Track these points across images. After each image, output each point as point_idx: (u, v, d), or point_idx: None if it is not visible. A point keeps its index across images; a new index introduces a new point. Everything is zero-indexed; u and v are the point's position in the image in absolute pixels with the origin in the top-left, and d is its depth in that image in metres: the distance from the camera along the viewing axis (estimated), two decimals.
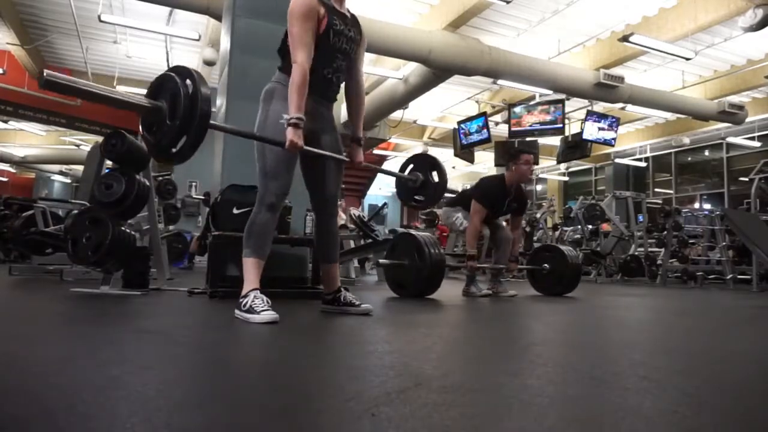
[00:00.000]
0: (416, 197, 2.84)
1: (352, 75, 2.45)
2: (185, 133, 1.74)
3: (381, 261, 3.88)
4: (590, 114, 10.35)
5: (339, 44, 2.27)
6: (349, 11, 2.37)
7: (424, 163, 2.86)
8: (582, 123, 10.41)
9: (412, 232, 3.70)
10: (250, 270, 2.18)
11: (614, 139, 10.75)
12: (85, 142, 13.75)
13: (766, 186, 6.55)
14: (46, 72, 1.60)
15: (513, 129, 10.44)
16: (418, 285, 3.53)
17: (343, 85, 2.44)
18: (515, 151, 4.22)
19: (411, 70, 8.82)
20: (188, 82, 1.77)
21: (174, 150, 1.76)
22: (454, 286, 4.67)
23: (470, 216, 4.00)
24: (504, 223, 4.34)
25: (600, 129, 10.43)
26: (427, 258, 3.47)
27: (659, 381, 1.22)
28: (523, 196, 4.22)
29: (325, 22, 2.20)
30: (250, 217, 2.25)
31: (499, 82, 8.80)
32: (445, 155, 15.10)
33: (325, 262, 2.47)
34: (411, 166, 2.88)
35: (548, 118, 10.13)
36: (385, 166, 15.58)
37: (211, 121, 1.82)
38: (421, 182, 2.79)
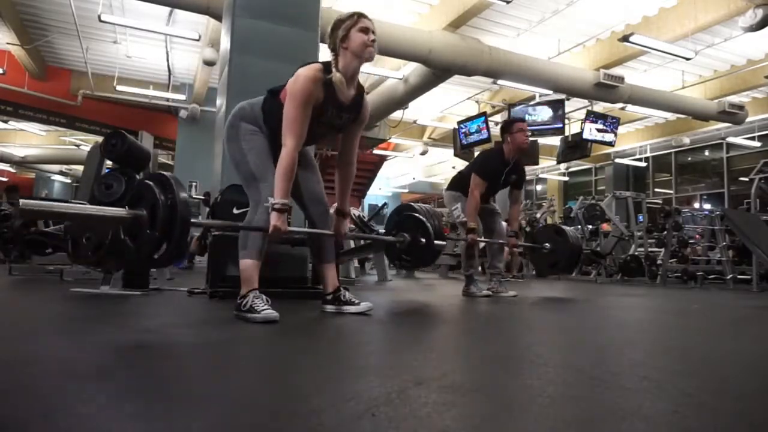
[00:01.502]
0: (404, 257, 2.93)
1: (345, 148, 2.45)
2: (166, 241, 1.76)
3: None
4: (590, 114, 10.36)
5: (323, 130, 2.32)
6: (358, 85, 2.32)
7: (411, 222, 2.91)
8: (582, 123, 10.41)
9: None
10: (249, 271, 2.18)
11: (614, 139, 10.75)
12: (85, 142, 13.76)
13: (766, 186, 6.54)
14: (22, 201, 1.61)
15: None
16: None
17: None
18: (507, 121, 4.13)
19: (411, 70, 8.82)
20: (167, 189, 1.79)
21: (155, 257, 1.78)
22: (454, 286, 4.66)
23: (470, 191, 3.92)
24: (504, 224, 4.31)
25: (600, 129, 10.43)
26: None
27: (659, 381, 1.22)
28: (522, 167, 4.14)
29: (317, 111, 2.19)
30: (246, 219, 2.26)
31: (499, 82, 8.80)
32: (445, 155, 15.14)
33: (322, 262, 2.47)
34: (396, 220, 2.96)
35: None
36: (385, 165, 15.59)
37: (192, 220, 1.82)
38: (408, 243, 2.85)
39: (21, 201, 1.63)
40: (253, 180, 2.25)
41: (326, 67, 2.21)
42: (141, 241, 1.79)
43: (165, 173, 1.88)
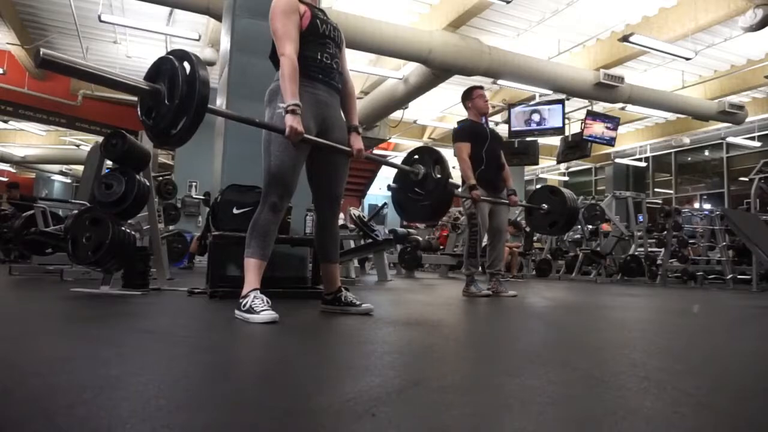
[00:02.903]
0: (416, 189, 2.79)
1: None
2: (184, 115, 1.74)
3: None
4: (590, 114, 10.35)
5: (327, 31, 2.33)
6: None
7: (428, 156, 2.81)
8: (582, 123, 10.41)
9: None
10: (252, 270, 2.18)
11: (614, 139, 10.75)
12: (85, 142, 13.75)
13: (766, 186, 6.54)
14: (42, 51, 1.57)
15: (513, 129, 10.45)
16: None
17: None
18: (466, 90, 4.29)
19: (411, 70, 8.82)
20: (186, 64, 1.77)
21: (173, 131, 1.76)
22: (454, 286, 4.66)
23: (459, 157, 4.05)
24: (505, 223, 4.31)
25: (600, 129, 10.43)
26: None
27: (659, 381, 1.22)
28: (498, 135, 4.31)
29: (309, 14, 2.27)
30: (254, 216, 2.24)
31: (499, 82, 8.80)
32: (445, 155, 15.11)
33: (326, 261, 2.46)
34: (416, 157, 2.83)
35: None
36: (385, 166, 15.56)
37: (210, 106, 1.81)
38: (423, 175, 2.73)
39: (42, 50, 1.60)
40: (268, 173, 2.21)
41: None
42: (158, 114, 1.78)
43: (187, 51, 1.85)
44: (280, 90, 2.22)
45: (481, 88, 4.35)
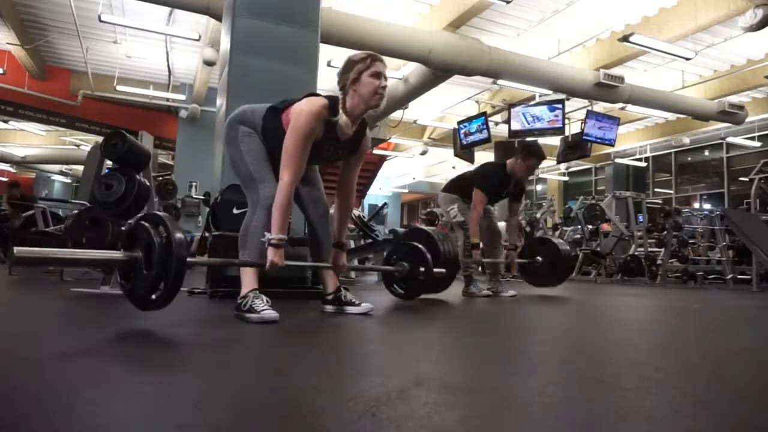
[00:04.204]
0: (401, 284, 3.00)
1: (344, 178, 2.45)
2: (162, 281, 1.75)
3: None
4: (590, 114, 10.35)
5: (319, 161, 2.35)
6: (362, 122, 2.29)
7: (413, 254, 2.92)
8: (582, 123, 10.41)
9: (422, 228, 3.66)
10: (248, 272, 2.19)
11: (614, 139, 10.75)
12: (85, 142, 13.76)
13: (766, 186, 6.54)
14: (17, 249, 1.59)
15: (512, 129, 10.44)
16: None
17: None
18: (531, 149, 4.07)
19: (411, 70, 8.82)
20: (161, 229, 1.78)
21: (154, 296, 1.77)
22: (455, 286, 4.66)
23: (473, 205, 3.94)
24: (501, 224, 4.32)
25: (600, 129, 10.42)
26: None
27: (659, 381, 1.22)
28: (522, 183, 4.19)
29: (316, 147, 2.18)
30: (245, 220, 2.26)
31: (499, 82, 8.80)
32: (445, 155, 15.13)
33: (322, 263, 2.47)
34: (400, 250, 3.00)
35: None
36: (385, 165, 15.58)
37: (189, 260, 1.81)
38: (406, 272, 2.88)
39: (16, 249, 1.59)
40: (251, 181, 2.25)
41: (332, 104, 2.17)
42: (137, 282, 1.79)
43: (159, 213, 1.86)
44: (249, 119, 2.29)
45: (541, 159, 4.10)
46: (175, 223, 1.80)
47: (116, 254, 1.85)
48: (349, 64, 2.20)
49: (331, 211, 2.54)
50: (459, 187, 4.18)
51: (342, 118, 2.16)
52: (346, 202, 2.46)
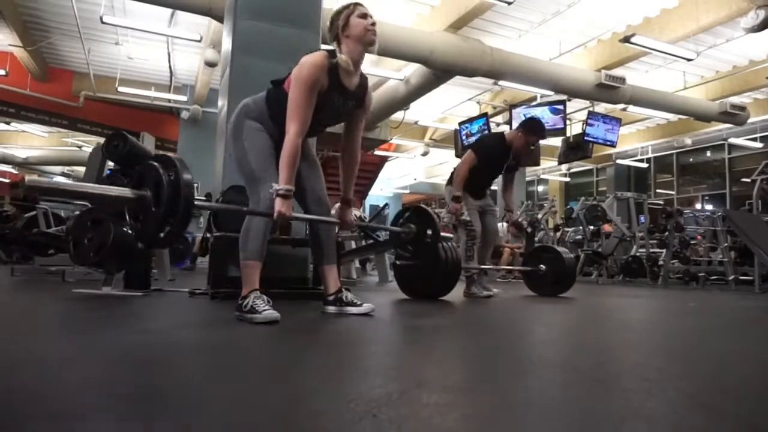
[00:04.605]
0: (408, 247, 2.97)
1: (349, 139, 2.46)
2: (171, 218, 1.78)
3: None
4: (592, 115, 10.34)
5: (328, 117, 2.33)
6: (361, 75, 2.34)
7: (420, 217, 2.93)
8: (583, 124, 10.40)
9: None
10: (250, 272, 2.19)
11: (616, 140, 10.74)
12: (87, 144, 13.77)
13: None
14: (27, 179, 1.64)
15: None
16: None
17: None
18: (534, 127, 4.04)
19: (412, 71, 8.83)
20: (170, 169, 1.81)
21: (161, 235, 1.81)
22: (455, 286, 4.66)
23: (460, 162, 3.98)
24: (502, 224, 4.33)
25: (601, 130, 10.42)
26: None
27: (660, 382, 1.22)
28: (518, 157, 4.17)
29: (323, 98, 2.20)
30: (245, 222, 2.26)
31: (501, 83, 8.80)
32: (446, 156, 15.14)
33: (323, 264, 2.46)
34: (407, 214, 2.97)
35: None
36: (387, 166, 15.58)
37: (196, 202, 1.87)
38: (414, 234, 2.87)
39: (26, 178, 1.65)
40: (253, 181, 2.25)
41: (331, 54, 2.23)
42: (146, 220, 1.82)
43: (169, 155, 1.90)
44: (252, 109, 2.29)
45: (544, 137, 4.11)
46: (184, 164, 1.84)
47: (126, 191, 1.88)
48: (334, 15, 2.29)
49: (333, 212, 2.54)
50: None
51: (342, 57, 2.22)
52: (351, 161, 2.48)
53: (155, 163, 1.83)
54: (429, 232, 2.84)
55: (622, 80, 8.97)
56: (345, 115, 2.38)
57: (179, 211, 1.75)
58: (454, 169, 4.31)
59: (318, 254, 2.50)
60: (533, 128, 4.00)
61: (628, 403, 1.01)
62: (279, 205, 2.09)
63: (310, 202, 2.47)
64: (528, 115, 10.17)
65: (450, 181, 4.29)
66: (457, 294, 3.99)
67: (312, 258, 2.63)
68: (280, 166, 2.13)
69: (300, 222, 3.50)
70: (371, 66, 9.36)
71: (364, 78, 2.38)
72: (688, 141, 13.25)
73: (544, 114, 10.04)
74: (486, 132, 10.38)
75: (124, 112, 11.78)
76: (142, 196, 1.82)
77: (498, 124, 11.77)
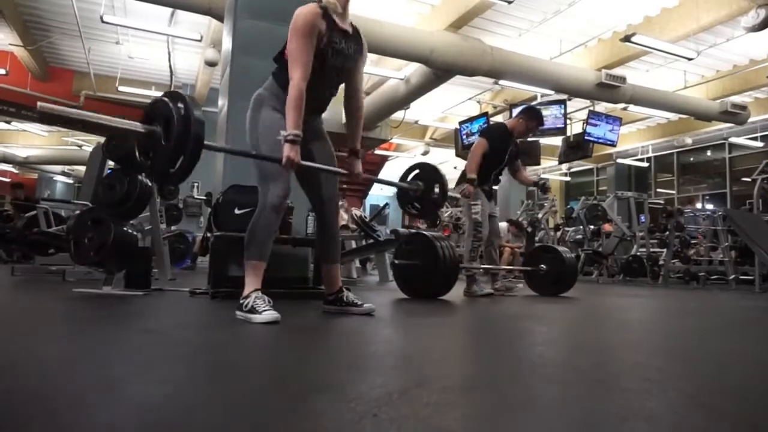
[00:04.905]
0: (415, 205, 2.88)
1: (352, 89, 2.45)
2: (181, 154, 1.78)
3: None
4: (592, 114, 10.34)
5: (338, 63, 2.29)
6: (351, 25, 2.36)
7: (428, 173, 2.87)
8: (584, 123, 10.40)
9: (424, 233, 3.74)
10: (252, 272, 2.19)
11: (616, 139, 10.73)
12: (87, 143, 13.78)
13: None
14: (39, 104, 1.62)
15: None
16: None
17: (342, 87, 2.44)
18: (534, 113, 4.35)
19: (412, 70, 8.82)
20: (180, 105, 1.81)
21: (172, 170, 1.80)
22: (456, 286, 4.66)
23: (472, 149, 4.21)
24: (503, 224, 4.35)
25: (602, 129, 10.41)
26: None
27: (660, 382, 1.22)
28: (517, 144, 4.44)
29: (325, 40, 2.20)
30: (252, 220, 2.25)
31: (501, 82, 8.79)
32: (446, 155, 15.13)
33: (326, 262, 2.46)
34: (416, 172, 2.88)
35: None
36: (387, 165, 15.59)
37: (206, 142, 1.84)
38: (421, 192, 2.81)
39: (39, 104, 1.65)
40: (263, 179, 2.24)
41: (319, 3, 2.25)
42: (156, 155, 1.82)
43: (179, 92, 1.90)
44: (264, 101, 2.28)
45: (542, 124, 4.57)
46: (193, 101, 1.84)
47: (137, 125, 1.88)
48: None
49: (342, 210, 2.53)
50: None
51: (329, 0, 2.23)
52: (356, 109, 2.47)
53: (165, 99, 1.83)
54: (436, 190, 2.79)
55: (623, 79, 8.96)
56: (351, 60, 2.35)
57: (189, 146, 1.75)
58: (462, 171, 4.37)
59: (322, 250, 2.49)
60: (534, 115, 4.34)
61: (628, 403, 1.01)
62: (287, 150, 2.08)
63: (319, 198, 2.44)
64: None
65: (459, 182, 4.34)
66: (457, 293, 3.99)
67: (315, 252, 2.61)
68: (286, 110, 2.12)
69: (301, 222, 3.51)
70: (372, 66, 9.36)
71: (355, 27, 2.39)
72: (689, 140, 13.24)
73: (545, 113, 10.04)
74: None
75: (124, 112, 11.74)
76: (152, 131, 1.82)
77: None
